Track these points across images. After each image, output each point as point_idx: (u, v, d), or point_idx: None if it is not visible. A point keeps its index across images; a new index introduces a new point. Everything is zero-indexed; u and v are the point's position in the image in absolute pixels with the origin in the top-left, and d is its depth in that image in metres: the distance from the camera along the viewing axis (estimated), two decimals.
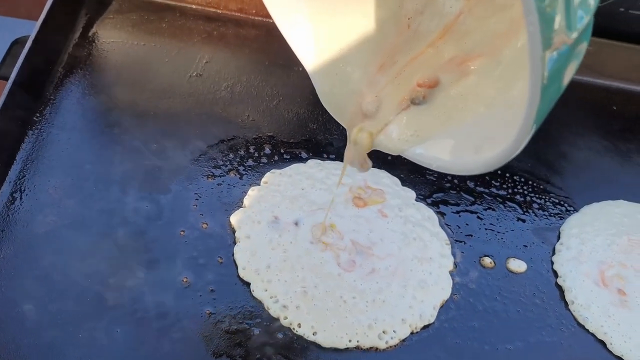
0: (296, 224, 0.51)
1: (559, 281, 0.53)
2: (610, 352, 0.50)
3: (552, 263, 0.55)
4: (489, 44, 0.36)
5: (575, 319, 0.52)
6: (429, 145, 0.38)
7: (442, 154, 0.37)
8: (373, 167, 0.55)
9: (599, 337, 0.51)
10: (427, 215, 0.54)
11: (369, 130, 0.40)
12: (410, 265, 0.51)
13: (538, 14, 0.25)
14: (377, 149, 0.40)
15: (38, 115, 0.55)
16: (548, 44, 0.26)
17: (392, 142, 0.39)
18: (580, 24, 0.28)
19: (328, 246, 0.50)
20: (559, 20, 0.26)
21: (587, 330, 0.51)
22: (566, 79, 0.30)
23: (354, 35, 0.40)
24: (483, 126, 0.35)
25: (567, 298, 0.53)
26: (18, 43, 0.62)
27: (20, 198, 0.50)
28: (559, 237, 0.56)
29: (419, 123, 0.39)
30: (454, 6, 0.37)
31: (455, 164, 0.36)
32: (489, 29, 0.36)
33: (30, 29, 0.59)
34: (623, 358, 0.50)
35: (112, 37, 0.64)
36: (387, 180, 0.56)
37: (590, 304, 0.52)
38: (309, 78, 0.65)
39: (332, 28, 0.41)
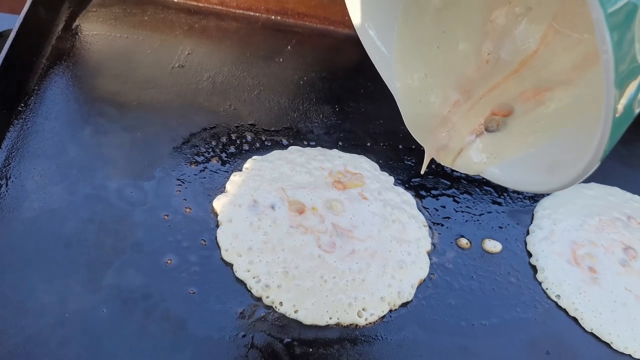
0: (272, 207, 0.52)
1: (532, 260, 0.55)
2: (582, 327, 0.52)
3: (526, 243, 0.56)
4: (564, 75, 0.37)
5: (548, 296, 0.53)
6: (505, 167, 0.40)
7: (518, 175, 0.39)
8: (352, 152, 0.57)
9: (571, 313, 0.53)
10: (405, 198, 0.56)
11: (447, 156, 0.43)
12: (390, 246, 0.52)
13: (613, 53, 0.26)
14: (457, 169, 0.43)
15: (22, 105, 0.56)
16: (621, 79, 0.27)
17: (470, 164, 0.41)
18: None
19: (308, 229, 0.52)
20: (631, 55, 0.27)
21: (560, 307, 0.53)
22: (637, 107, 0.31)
23: (439, 66, 0.42)
24: (556, 150, 0.37)
25: (539, 277, 0.54)
26: (1, 37, 0.63)
27: (6, 185, 0.51)
28: (532, 219, 0.58)
29: (494, 147, 0.41)
30: (531, 42, 0.38)
31: (530, 183, 0.38)
32: (565, 61, 0.37)
33: (13, 22, 0.60)
34: (594, 332, 0.52)
35: (95, 30, 0.65)
36: (366, 165, 0.57)
37: (562, 282, 0.54)
38: (290, 69, 0.66)
39: (421, 58, 0.42)
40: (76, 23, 0.65)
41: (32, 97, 0.57)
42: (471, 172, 0.42)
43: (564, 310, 0.53)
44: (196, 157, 0.56)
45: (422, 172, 0.46)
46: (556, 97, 0.38)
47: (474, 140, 0.41)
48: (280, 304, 0.48)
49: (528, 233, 0.58)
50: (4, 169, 0.52)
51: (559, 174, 0.34)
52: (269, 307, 0.48)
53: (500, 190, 0.59)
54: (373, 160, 0.59)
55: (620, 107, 0.28)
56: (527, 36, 0.39)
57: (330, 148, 0.59)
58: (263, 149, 0.58)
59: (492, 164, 0.40)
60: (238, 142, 0.58)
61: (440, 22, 0.41)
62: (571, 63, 0.37)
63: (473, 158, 0.41)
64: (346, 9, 0.43)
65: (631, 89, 0.28)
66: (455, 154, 0.42)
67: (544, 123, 0.38)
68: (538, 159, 0.38)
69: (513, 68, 0.40)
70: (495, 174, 0.40)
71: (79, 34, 0.64)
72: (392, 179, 0.58)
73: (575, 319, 0.52)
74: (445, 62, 0.42)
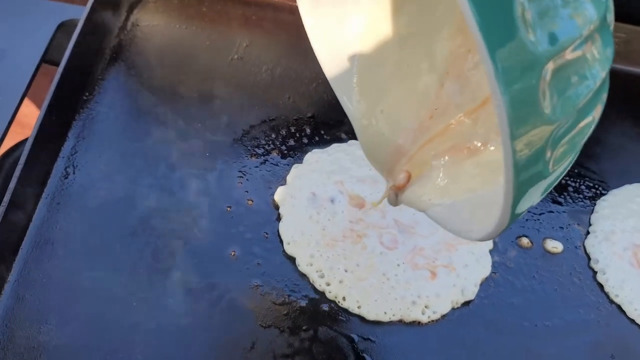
0: (332, 201, 0.52)
1: (592, 262, 0.54)
2: None
3: (586, 244, 0.56)
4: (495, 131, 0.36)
5: (610, 299, 0.53)
6: (445, 209, 0.38)
7: (453, 219, 0.37)
8: None
9: (633, 317, 0.52)
10: None
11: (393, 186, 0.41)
12: (452, 244, 0.52)
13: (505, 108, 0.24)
14: (405, 203, 0.41)
15: (87, 94, 0.57)
16: (516, 133, 0.25)
17: (416, 201, 0.40)
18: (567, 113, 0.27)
19: (369, 225, 0.51)
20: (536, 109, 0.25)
21: (623, 310, 0.52)
22: (557, 166, 0.29)
23: (396, 101, 0.41)
24: (481, 205, 0.35)
25: (600, 279, 0.53)
26: (64, 26, 0.64)
27: (74, 173, 0.51)
28: (592, 219, 0.57)
29: (440, 187, 0.39)
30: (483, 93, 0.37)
31: (462, 230, 0.36)
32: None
33: (75, 12, 0.61)
34: None
35: (154, 21, 0.66)
36: None
37: (624, 286, 0.53)
38: None
39: (378, 88, 0.41)
40: (136, 14, 0.66)
41: (97, 87, 0.58)
42: (417, 208, 0.40)
43: (627, 314, 0.52)
44: (256, 150, 0.56)
45: (378, 203, 0.44)
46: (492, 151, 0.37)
47: (423, 177, 0.39)
48: (344, 298, 0.48)
49: (588, 233, 0.57)
50: (71, 157, 0.52)
51: (479, 228, 0.33)
52: (332, 302, 0.48)
53: (560, 189, 0.59)
54: None
55: (518, 159, 0.26)
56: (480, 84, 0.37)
57: None
58: (322, 143, 0.58)
59: (436, 204, 0.38)
60: (297, 135, 0.58)
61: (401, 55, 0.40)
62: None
63: (420, 193, 0.39)
64: None
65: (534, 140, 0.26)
66: (402, 185, 0.40)
67: (484, 171, 0.37)
68: (475, 206, 0.36)
69: (471, 107, 0.38)
70: (437, 215, 0.38)
71: (139, 24, 0.65)
72: None
73: (638, 324, 0.51)
74: (404, 94, 0.40)
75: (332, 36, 0.40)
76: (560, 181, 0.59)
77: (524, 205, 0.29)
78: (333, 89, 0.42)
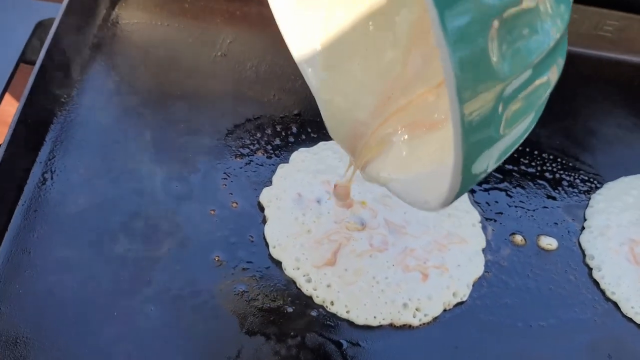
0: (318, 201, 0.51)
1: (588, 258, 0.53)
2: None
3: (581, 240, 0.54)
4: None
5: (606, 297, 0.51)
6: (405, 182, 0.38)
7: (412, 194, 0.37)
8: None
9: (630, 316, 0.50)
10: None
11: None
12: (444, 243, 0.50)
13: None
14: (365, 179, 0.41)
15: (65, 96, 0.55)
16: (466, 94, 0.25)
17: (376, 175, 0.40)
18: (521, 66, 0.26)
19: (357, 226, 0.50)
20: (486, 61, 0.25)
21: (619, 308, 0.51)
22: (509, 129, 0.28)
23: (362, 69, 0.40)
24: (438, 176, 0.34)
25: (595, 275, 0.52)
26: (42, 26, 0.62)
27: (52, 178, 0.50)
28: (587, 214, 0.56)
29: (400, 161, 0.39)
30: None
31: (417, 202, 0.36)
32: None
33: (53, 11, 0.59)
34: None
35: (135, 18, 0.64)
36: None
37: (620, 282, 0.52)
38: None
39: (342, 63, 0.40)
40: (116, 12, 0.64)
41: (75, 89, 0.56)
42: (378, 183, 0.40)
43: (624, 312, 0.50)
44: (241, 150, 0.55)
45: (345, 183, 0.45)
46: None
47: (383, 153, 0.39)
48: (332, 303, 0.46)
49: (583, 229, 0.55)
50: (48, 162, 0.51)
51: (436, 194, 0.32)
52: (320, 306, 0.47)
53: (555, 183, 0.57)
54: None
55: (467, 120, 0.26)
56: None
57: None
58: (309, 141, 0.56)
59: (395, 178, 0.38)
60: (283, 133, 0.57)
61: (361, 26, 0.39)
62: None
63: (380, 169, 0.39)
64: None
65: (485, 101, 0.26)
66: (364, 161, 0.40)
67: (443, 145, 0.36)
68: (433, 178, 0.35)
69: (434, 84, 0.38)
70: (396, 188, 0.38)
71: (120, 22, 0.63)
72: None
73: (635, 322, 0.50)
74: (367, 70, 0.40)
75: (298, 13, 0.40)
76: (555, 175, 0.57)
77: (477, 168, 0.29)
78: (297, 64, 0.41)
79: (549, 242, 0.53)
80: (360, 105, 0.40)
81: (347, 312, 0.46)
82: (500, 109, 0.27)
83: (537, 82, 0.29)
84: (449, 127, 0.35)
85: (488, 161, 0.29)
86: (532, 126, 0.32)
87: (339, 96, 0.40)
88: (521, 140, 0.32)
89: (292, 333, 0.45)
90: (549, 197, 0.56)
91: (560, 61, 0.30)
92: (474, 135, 0.26)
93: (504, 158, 0.31)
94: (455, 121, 0.25)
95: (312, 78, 0.40)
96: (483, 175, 0.30)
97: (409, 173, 0.38)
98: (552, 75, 0.30)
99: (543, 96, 0.30)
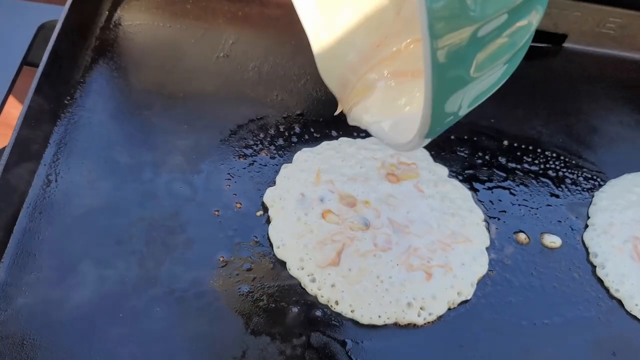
0: (322, 200, 0.51)
1: (591, 256, 0.53)
2: None
3: (585, 238, 0.54)
4: None
5: (610, 295, 0.51)
6: (387, 123, 0.39)
7: (391, 136, 0.38)
8: None
9: (634, 313, 0.50)
10: (461, 191, 0.54)
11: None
12: (447, 242, 0.50)
13: None
14: (351, 121, 0.42)
15: (69, 98, 0.55)
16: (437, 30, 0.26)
17: (361, 117, 0.41)
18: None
19: (361, 226, 0.50)
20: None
21: (624, 306, 0.51)
22: (480, 72, 0.29)
23: (356, 14, 0.41)
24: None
25: (599, 273, 0.52)
26: (44, 28, 0.62)
27: (56, 180, 0.50)
28: (590, 212, 0.56)
29: (386, 104, 0.40)
30: None
31: (395, 143, 0.37)
32: None
33: (56, 13, 0.59)
34: None
35: (137, 20, 0.64)
36: (419, 154, 0.55)
37: (624, 280, 0.52)
38: None
39: (338, 5, 0.41)
40: (119, 13, 0.64)
41: (78, 90, 0.56)
42: (361, 125, 0.41)
43: (628, 310, 0.50)
44: (244, 150, 0.55)
45: (335, 113, 0.45)
46: None
47: (368, 95, 0.41)
48: (336, 302, 0.46)
49: (587, 227, 0.55)
50: (53, 164, 0.51)
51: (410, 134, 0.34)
52: (324, 306, 0.47)
53: (558, 181, 0.57)
54: (425, 148, 0.57)
55: (442, 56, 0.26)
56: None
57: None
58: (312, 141, 0.56)
59: (377, 121, 0.40)
60: (286, 133, 0.57)
61: None
62: None
63: (363, 111, 0.41)
64: None
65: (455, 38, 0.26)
66: (351, 103, 0.42)
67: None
68: (412, 120, 0.36)
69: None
70: (377, 130, 0.39)
71: (122, 24, 0.63)
72: (446, 170, 0.56)
73: (638, 319, 0.50)
74: (361, 14, 0.41)
75: None
76: (558, 173, 0.57)
77: (448, 107, 0.29)
78: (294, 4, 0.41)
79: (552, 240, 0.53)
80: (351, 49, 0.41)
81: (352, 311, 0.46)
82: (472, 50, 0.28)
83: (515, 26, 0.29)
84: None
85: (459, 102, 0.30)
86: (506, 77, 0.32)
87: (331, 39, 0.41)
88: (494, 89, 0.32)
89: (297, 333, 0.45)
90: (552, 195, 0.56)
91: (540, 8, 0.30)
92: (444, 72, 0.27)
93: (476, 104, 0.32)
94: (426, 55, 0.26)
95: (307, 19, 0.41)
96: (453, 118, 0.31)
97: (390, 116, 0.39)
98: (533, 19, 0.30)
99: (521, 42, 0.30)
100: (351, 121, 0.42)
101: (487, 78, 0.30)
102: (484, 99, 0.32)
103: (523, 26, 0.30)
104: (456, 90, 0.29)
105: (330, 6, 0.41)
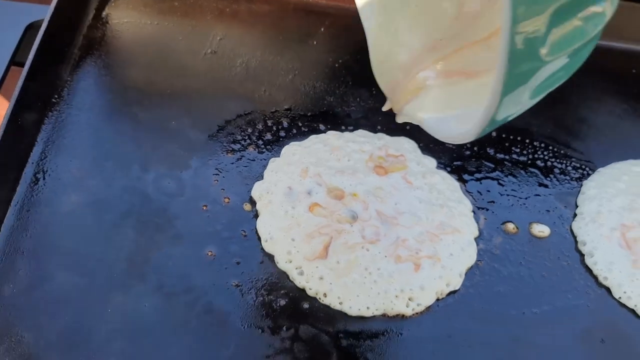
0: (309, 193, 0.51)
1: (580, 245, 0.53)
2: (637, 315, 0.50)
3: (573, 227, 0.54)
4: None
5: (599, 283, 0.51)
6: (443, 119, 0.39)
7: (449, 127, 0.39)
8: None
9: (623, 301, 0.50)
10: (450, 182, 0.54)
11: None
12: (436, 233, 0.50)
13: None
14: (403, 118, 0.43)
15: (56, 97, 0.56)
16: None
17: (415, 113, 0.41)
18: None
19: (348, 219, 0.50)
20: None
21: (612, 294, 0.51)
22: (553, 56, 0.29)
23: (413, 19, 0.42)
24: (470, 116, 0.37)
25: (588, 262, 0.52)
26: (32, 28, 0.62)
27: (44, 178, 0.50)
28: (579, 200, 0.56)
29: (442, 101, 0.41)
30: None
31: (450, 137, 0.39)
32: None
33: (44, 13, 0.59)
34: None
35: (125, 18, 0.64)
36: (407, 146, 0.55)
37: (613, 268, 0.52)
38: (324, 52, 0.64)
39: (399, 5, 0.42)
40: (106, 11, 0.64)
41: (66, 89, 0.56)
42: (413, 121, 0.42)
43: (617, 298, 0.50)
44: (232, 145, 0.55)
45: (384, 108, 0.46)
46: None
47: (421, 94, 0.41)
48: (325, 295, 0.47)
49: (575, 216, 0.55)
50: (40, 163, 0.51)
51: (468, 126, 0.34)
52: (313, 299, 0.47)
53: (546, 171, 0.57)
54: (413, 140, 0.57)
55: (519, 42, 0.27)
56: None
57: (370, 132, 0.57)
58: (300, 135, 0.57)
59: (431, 117, 0.40)
60: (274, 128, 0.57)
61: None
62: None
63: (417, 109, 0.41)
64: None
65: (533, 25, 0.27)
66: (405, 101, 0.42)
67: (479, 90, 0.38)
68: (465, 116, 0.37)
69: (484, 35, 0.39)
70: (429, 126, 0.40)
71: (109, 22, 0.63)
72: (434, 161, 0.56)
73: (627, 307, 0.50)
74: (419, 18, 0.42)
75: None
76: (546, 163, 0.57)
77: (515, 97, 0.29)
78: (358, 9, 0.42)
79: (541, 230, 0.54)
80: (406, 51, 0.42)
81: (340, 303, 0.46)
82: (547, 33, 0.28)
83: (592, 8, 0.29)
84: (488, 76, 0.36)
85: (525, 94, 0.30)
86: (573, 71, 0.32)
87: (389, 39, 0.42)
88: (560, 82, 0.32)
89: (285, 326, 0.45)
90: (540, 185, 0.56)
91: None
92: (519, 59, 0.27)
93: (539, 97, 0.32)
94: (504, 40, 0.26)
95: (367, 18, 0.42)
96: (518, 109, 0.31)
97: (444, 112, 0.39)
98: (608, 8, 0.30)
99: (591, 32, 0.30)
100: (402, 118, 0.43)
101: (556, 68, 0.30)
102: (546, 92, 0.32)
103: (597, 13, 0.29)
104: (529, 77, 0.29)
105: (392, 6, 0.41)
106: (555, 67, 0.30)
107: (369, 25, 0.42)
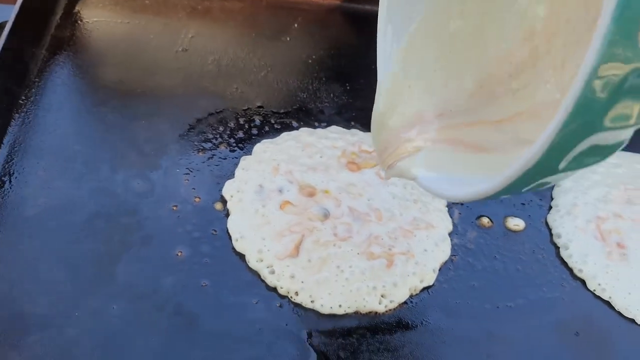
0: (280, 191, 0.50)
1: (555, 238, 0.53)
2: (611, 306, 0.49)
3: (548, 220, 0.54)
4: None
5: (574, 275, 0.51)
6: (439, 178, 0.38)
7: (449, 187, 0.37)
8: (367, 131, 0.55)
9: (598, 293, 0.50)
10: None
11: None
12: (410, 229, 0.50)
13: None
14: (392, 174, 0.41)
15: (23, 98, 0.55)
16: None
17: (407, 172, 0.40)
18: None
19: (319, 216, 0.50)
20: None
21: (587, 286, 0.51)
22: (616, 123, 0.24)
23: (429, 85, 0.40)
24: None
25: (563, 254, 0.52)
26: (0, 28, 0.61)
27: (10, 181, 0.49)
28: (554, 193, 0.56)
29: (438, 162, 0.39)
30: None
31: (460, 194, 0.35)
32: None
33: (9, 13, 0.58)
34: (622, 313, 0.49)
35: (95, 16, 0.63)
36: None
37: (588, 260, 0.51)
38: (297, 48, 0.64)
39: (419, 52, 0.40)
40: (75, 10, 0.63)
41: (33, 89, 0.55)
42: (403, 178, 0.40)
43: (591, 290, 0.50)
44: (203, 144, 0.54)
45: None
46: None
47: (415, 155, 0.40)
48: (296, 293, 0.46)
49: (551, 208, 0.55)
50: (6, 165, 0.50)
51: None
52: (284, 297, 0.46)
53: None
54: None
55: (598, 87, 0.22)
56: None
57: (343, 128, 0.57)
58: (272, 133, 0.56)
59: (427, 176, 0.38)
60: (246, 126, 0.56)
61: (451, 43, 0.39)
62: None
63: (411, 166, 0.39)
64: None
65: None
66: (391, 161, 0.40)
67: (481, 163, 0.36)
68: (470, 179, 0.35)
69: (496, 118, 0.37)
70: (427, 184, 0.38)
71: (79, 21, 0.62)
72: None
73: (602, 299, 0.50)
74: (436, 83, 0.40)
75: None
76: None
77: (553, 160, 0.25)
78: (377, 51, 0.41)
79: (516, 223, 0.53)
80: (415, 109, 0.40)
81: (312, 302, 0.46)
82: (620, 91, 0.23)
83: None
84: (497, 154, 0.35)
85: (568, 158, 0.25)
86: (623, 144, 0.26)
87: (399, 93, 0.40)
88: (610, 154, 0.26)
89: (257, 325, 0.45)
90: None
91: None
92: (584, 110, 0.23)
93: (572, 172, 0.26)
94: (577, 85, 0.22)
95: (384, 64, 0.40)
96: (551, 178, 0.27)
97: (441, 174, 0.38)
98: None
99: None
100: (392, 174, 0.41)
101: (619, 132, 0.25)
102: (580, 169, 0.27)
103: None
104: (582, 137, 0.24)
105: (411, 60, 0.40)
106: (611, 138, 0.25)
107: (384, 69, 0.40)
